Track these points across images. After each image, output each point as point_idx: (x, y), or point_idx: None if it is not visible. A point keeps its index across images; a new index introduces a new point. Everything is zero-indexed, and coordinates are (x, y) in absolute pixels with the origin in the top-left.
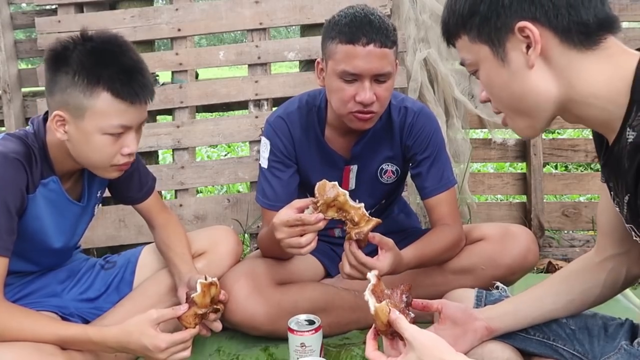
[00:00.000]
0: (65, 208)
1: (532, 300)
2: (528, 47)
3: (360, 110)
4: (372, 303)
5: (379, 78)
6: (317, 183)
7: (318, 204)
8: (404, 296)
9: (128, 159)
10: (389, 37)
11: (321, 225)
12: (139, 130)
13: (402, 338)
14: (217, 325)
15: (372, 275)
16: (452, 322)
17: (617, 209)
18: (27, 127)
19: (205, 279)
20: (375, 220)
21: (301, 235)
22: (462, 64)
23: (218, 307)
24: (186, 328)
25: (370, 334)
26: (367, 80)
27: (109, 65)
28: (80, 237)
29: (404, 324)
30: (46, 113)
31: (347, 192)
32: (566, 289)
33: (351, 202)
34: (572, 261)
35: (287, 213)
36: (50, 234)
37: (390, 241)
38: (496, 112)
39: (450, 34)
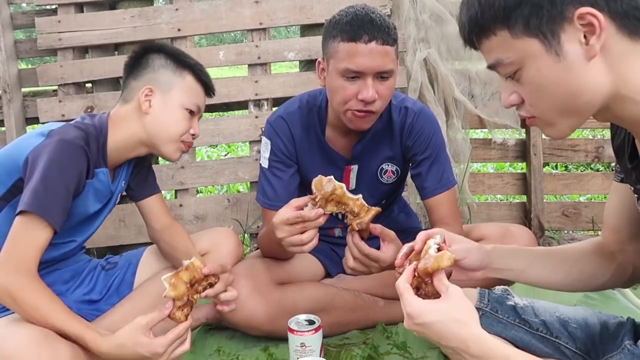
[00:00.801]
0: (104, 198)
1: (542, 270)
2: (584, 37)
3: (360, 109)
4: (435, 250)
5: (381, 75)
6: (314, 179)
7: (317, 200)
8: None
9: (191, 139)
10: (390, 34)
11: (322, 220)
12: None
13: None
14: (230, 294)
15: (434, 241)
16: (461, 269)
17: None
18: (81, 119)
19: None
20: (375, 209)
21: (302, 233)
22: (491, 66)
23: (210, 281)
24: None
25: (411, 267)
26: (369, 78)
27: (191, 58)
28: (98, 225)
29: (447, 280)
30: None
31: (343, 185)
32: (578, 270)
33: (349, 194)
34: (586, 241)
35: (287, 211)
36: (88, 219)
37: (392, 233)
38: (527, 116)
39: (481, 31)
